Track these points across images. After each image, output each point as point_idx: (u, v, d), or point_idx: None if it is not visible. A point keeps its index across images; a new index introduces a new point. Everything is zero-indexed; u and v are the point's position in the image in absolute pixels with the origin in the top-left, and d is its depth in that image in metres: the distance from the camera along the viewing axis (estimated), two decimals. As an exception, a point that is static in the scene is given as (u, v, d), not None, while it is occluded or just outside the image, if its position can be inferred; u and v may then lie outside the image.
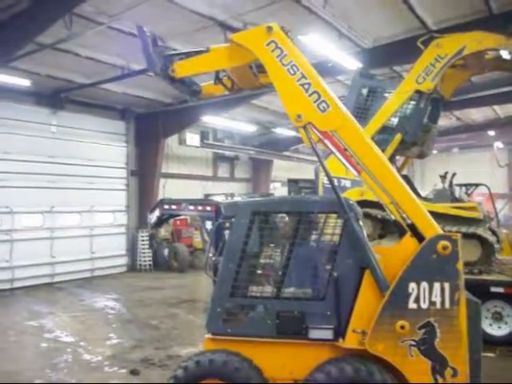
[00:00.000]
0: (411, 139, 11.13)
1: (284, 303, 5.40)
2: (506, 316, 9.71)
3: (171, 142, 22.67)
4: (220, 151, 26.30)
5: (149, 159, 21.27)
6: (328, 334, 5.21)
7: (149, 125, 20.81)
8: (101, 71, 15.73)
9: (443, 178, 12.24)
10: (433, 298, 4.91)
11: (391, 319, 4.93)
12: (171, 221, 20.46)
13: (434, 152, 30.53)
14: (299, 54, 5.46)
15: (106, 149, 19.87)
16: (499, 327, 9.69)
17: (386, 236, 11.01)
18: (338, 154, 5.25)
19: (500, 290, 9.55)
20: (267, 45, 5.42)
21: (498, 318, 9.72)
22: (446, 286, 4.91)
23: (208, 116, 20.71)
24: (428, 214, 5.29)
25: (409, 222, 5.17)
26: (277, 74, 5.45)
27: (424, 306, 4.93)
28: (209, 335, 5.62)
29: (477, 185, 15.85)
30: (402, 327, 4.90)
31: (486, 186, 15.37)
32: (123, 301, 14.92)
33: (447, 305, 4.90)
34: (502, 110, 24.83)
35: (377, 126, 10.69)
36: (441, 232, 5.15)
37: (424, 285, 4.93)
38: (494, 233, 10.75)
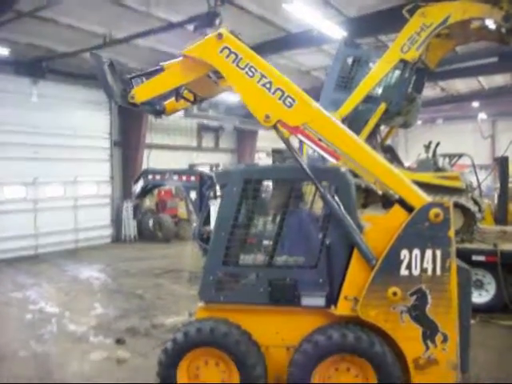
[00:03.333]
0: (395, 109, 11.14)
1: (276, 271, 5.44)
2: (487, 284, 9.85)
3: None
4: (204, 121, 26.02)
5: (132, 129, 20.99)
6: (320, 302, 5.26)
7: (132, 94, 20.45)
8: (82, 40, 15.32)
9: (427, 147, 12.31)
10: (424, 265, 4.97)
11: (383, 286, 4.99)
12: (155, 191, 20.38)
13: (419, 123, 30.76)
14: (254, 55, 5.39)
15: (88, 119, 19.54)
16: (480, 294, 9.83)
17: (369, 205, 11.08)
18: (313, 145, 5.22)
19: (481, 258, 9.67)
20: (221, 52, 5.32)
21: (478, 285, 9.85)
22: (438, 253, 4.96)
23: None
24: (414, 185, 5.33)
25: (396, 196, 5.21)
26: (236, 79, 5.36)
27: (416, 272, 4.99)
28: (201, 303, 5.65)
29: (460, 155, 15.91)
30: (394, 294, 4.96)
31: (469, 156, 15.44)
32: (108, 271, 14.86)
33: (438, 272, 4.97)
34: (487, 81, 24.83)
35: (361, 96, 10.68)
36: (431, 200, 5.18)
37: (416, 252, 4.98)
38: (476, 202, 10.87)
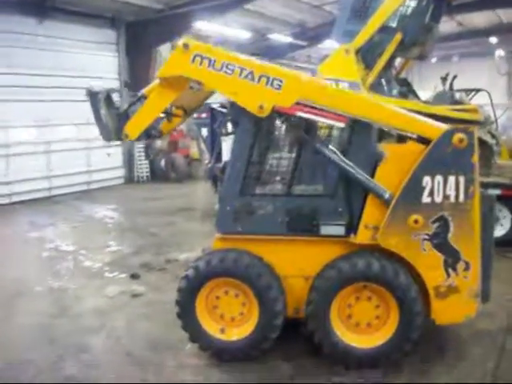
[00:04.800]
0: (412, 39, 10.72)
1: (294, 200, 5.33)
2: (502, 218, 9.73)
3: (164, 51, 21.85)
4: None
5: (141, 69, 20.44)
6: (340, 230, 5.18)
7: (140, 33, 19.93)
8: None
9: (444, 79, 11.93)
10: (447, 192, 4.84)
11: (404, 213, 4.88)
12: (167, 131, 20.14)
13: (433, 60, 29.93)
14: (226, 51, 5.25)
15: (97, 59, 19.09)
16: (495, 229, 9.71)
17: (383, 140, 10.84)
18: (316, 117, 5.03)
19: (497, 192, 9.47)
20: (193, 62, 5.14)
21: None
22: (461, 179, 4.82)
23: (201, 22, 19.87)
24: (427, 119, 5.20)
25: (414, 136, 5.06)
26: (218, 82, 5.21)
27: (438, 199, 4.85)
28: (218, 234, 5.58)
29: (477, 90, 15.48)
30: (416, 221, 4.86)
31: (487, 91, 15.07)
32: (122, 211, 14.93)
33: (461, 198, 4.84)
34: (506, 15, 24.00)
35: (376, 26, 10.25)
36: (449, 127, 5.00)
37: (438, 178, 4.83)
38: (493, 136, 10.62)
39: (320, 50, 27.27)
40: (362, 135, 5.14)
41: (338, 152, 5.14)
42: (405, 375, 5.13)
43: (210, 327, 5.35)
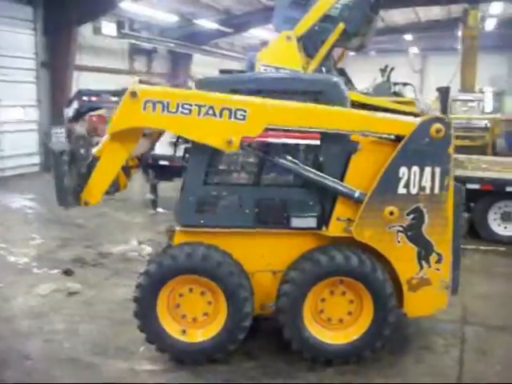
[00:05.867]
0: (354, 30, 10.72)
1: (264, 191, 5.04)
2: None
3: (85, 31, 20.76)
4: (138, 42, 24.53)
5: (61, 50, 19.30)
6: (311, 223, 4.95)
7: (60, 11, 18.65)
8: None
9: (383, 71, 12.11)
10: (423, 183, 4.74)
11: (380, 205, 4.74)
12: (86, 117, 19.13)
13: (351, 54, 30.56)
14: (179, 90, 4.96)
15: (10, 36, 17.65)
16: None
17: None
18: (287, 140, 4.78)
19: None
20: (144, 109, 4.72)
21: None
22: (437, 170, 4.72)
23: (125, 2, 19.03)
24: (398, 116, 5.10)
25: (392, 137, 4.91)
26: (176, 125, 4.82)
27: (414, 191, 4.75)
28: (179, 227, 5.18)
29: (404, 84, 16.00)
30: (391, 213, 4.73)
31: (413, 85, 15.59)
32: (41, 200, 13.83)
33: (437, 190, 4.75)
34: (424, 13, 24.87)
35: (318, 14, 10.15)
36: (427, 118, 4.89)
37: (415, 169, 4.72)
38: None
39: (244, 38, 27.09)
40: None
41: (299, 162, 4.90)
42: (374, 367, 5.03)
43: (171, 328, 4.96)
